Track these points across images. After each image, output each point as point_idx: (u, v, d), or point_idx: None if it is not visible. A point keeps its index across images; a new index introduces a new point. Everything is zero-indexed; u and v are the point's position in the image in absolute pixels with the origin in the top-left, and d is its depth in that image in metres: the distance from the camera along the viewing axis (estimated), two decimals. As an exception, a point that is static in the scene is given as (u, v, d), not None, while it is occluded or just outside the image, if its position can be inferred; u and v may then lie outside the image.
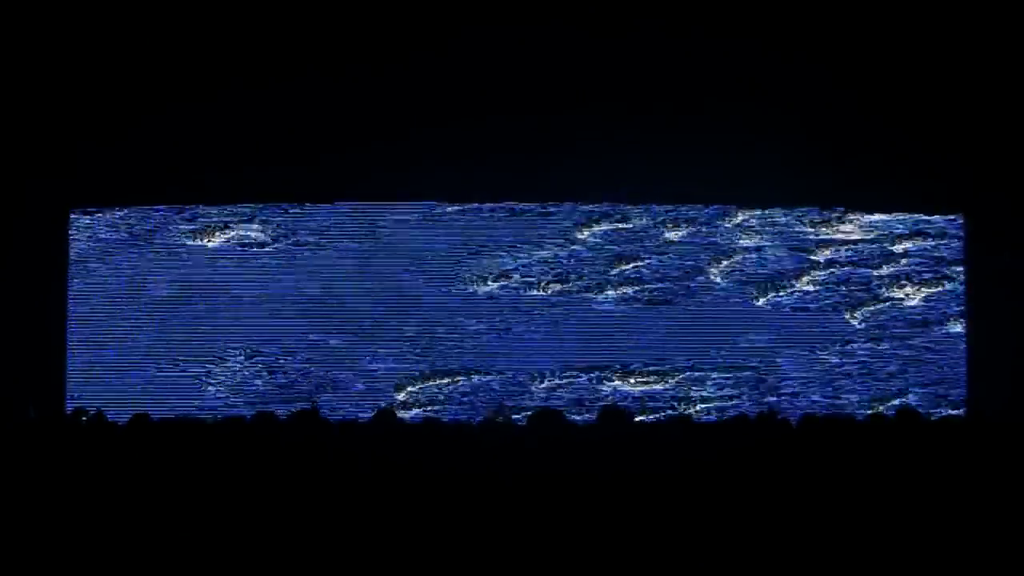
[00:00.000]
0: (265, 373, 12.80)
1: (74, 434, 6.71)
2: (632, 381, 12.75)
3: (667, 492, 5.61)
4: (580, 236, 12.93)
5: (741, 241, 12.91)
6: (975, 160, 12.48)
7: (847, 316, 12.89)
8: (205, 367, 12.80)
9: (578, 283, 12.88)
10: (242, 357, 12.78)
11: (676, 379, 12.76)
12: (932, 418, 10.78)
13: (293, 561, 5.54)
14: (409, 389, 12.75)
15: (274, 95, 12.40)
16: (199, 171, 12.62)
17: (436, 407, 12.64)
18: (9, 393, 11.78)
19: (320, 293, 12.87)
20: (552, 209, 12.93)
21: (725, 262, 12.89)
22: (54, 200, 12.82)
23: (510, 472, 5.68)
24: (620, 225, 12.94)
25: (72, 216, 12.93)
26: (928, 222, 13.02)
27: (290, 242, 12.92)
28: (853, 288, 12.91)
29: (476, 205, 12.91)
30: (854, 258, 12.95)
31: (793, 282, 12.89)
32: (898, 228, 12.99)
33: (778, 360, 12.81)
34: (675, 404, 12.63)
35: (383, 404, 12.24)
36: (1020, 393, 11.97)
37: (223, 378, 12.78)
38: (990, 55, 12.27)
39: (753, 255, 12.90)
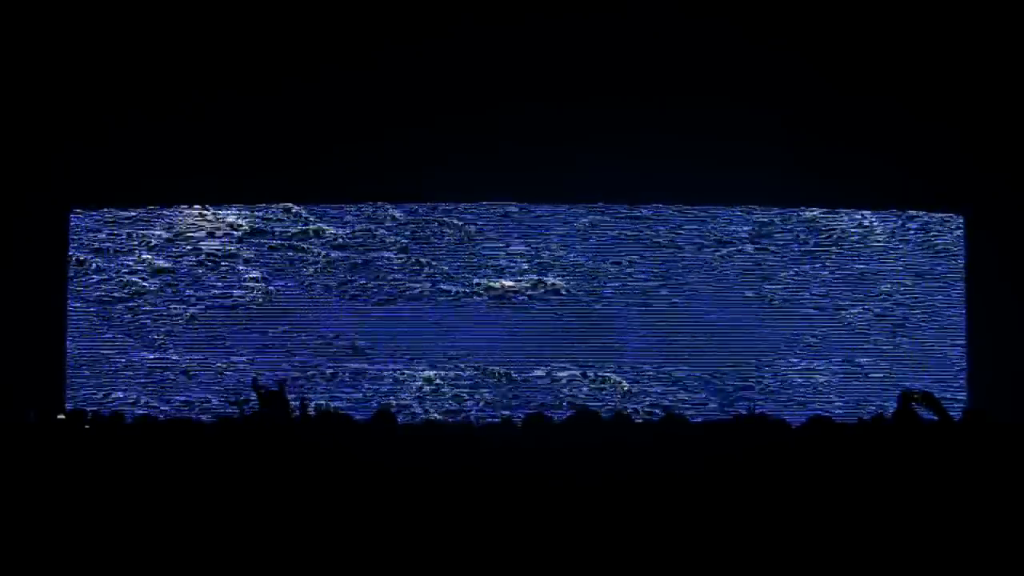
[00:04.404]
0: (268, 372, 12.82)
1: (74, 434, 6.71)
2: (624, 381, 12.78)
3: (666, 492, 5.61)
4: (577, 233, 12.97)
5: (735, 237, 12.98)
6: (977, 159, 12.49)
7: (846, 314, 12.91)
8: (206, 365, 12.83)
9: (577, 280, 12.91)
10: (246, 356, 12.82)
11: (672, 378, 12.78)
12: (932, 418, 10.78)
13: (293, 561, 5.55)
14: (413, 387, 12.78)
15: (273, 96, 12.42)
16: (199, 171, 12.64)
17: (442, 403, 12.69)
18: (9, 393, 11.79)
19: (323, 291, 12.89)
20: (551, 208, 12.99)
21: (720, 259, 12.92)
22: (54, 200, 12.83)
23: (510, 472, 5.69)
24: (617, 220, 13.00)
25: (72, 216, 12.97)
26: (929, 220, 13.03)
27: (292, 241, 12.94)
28: (853, 287, 12.92)
29: (476, 204, 12.96)
30: (855, 256, 12.96)
31: (791, 281, 12.90)
32: (899, 226, 13.01)
33: (776, 359, 12.83)
34: (669, 405, 12.64)
35: (383, 403, 12.29)
36: (1020, 393, 11.98)
37: (225, 378, 12.80)
38: (992, 54, 12.28)
39: (750, 252, 12.93)
